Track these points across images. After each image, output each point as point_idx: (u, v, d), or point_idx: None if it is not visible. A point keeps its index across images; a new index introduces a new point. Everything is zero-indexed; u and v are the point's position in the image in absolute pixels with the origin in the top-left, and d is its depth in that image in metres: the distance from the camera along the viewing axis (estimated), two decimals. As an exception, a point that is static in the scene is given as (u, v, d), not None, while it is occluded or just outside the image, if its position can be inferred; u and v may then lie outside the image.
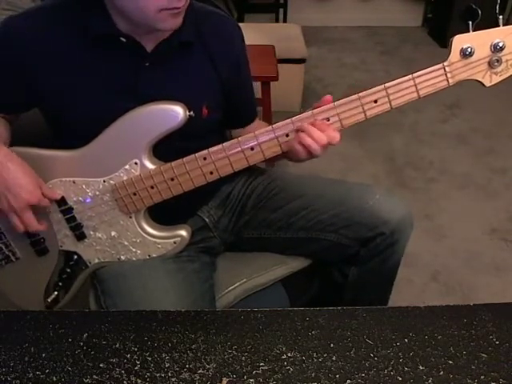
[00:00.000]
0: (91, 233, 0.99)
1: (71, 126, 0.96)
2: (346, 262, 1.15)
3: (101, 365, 0.65)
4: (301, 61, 2.76)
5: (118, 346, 0.68)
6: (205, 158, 0.90)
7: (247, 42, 1.07)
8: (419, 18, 4.37)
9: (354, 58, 3.71)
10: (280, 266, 1.17)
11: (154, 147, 0.93)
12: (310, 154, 0.90)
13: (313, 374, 0.64)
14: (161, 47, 0.92)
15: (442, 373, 0.64)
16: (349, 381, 0.63)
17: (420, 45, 3.93)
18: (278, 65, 2.22)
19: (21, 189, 0.88)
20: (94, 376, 0.64)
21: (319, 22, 4.28)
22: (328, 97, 0.88)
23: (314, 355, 0.66)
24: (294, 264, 1.19)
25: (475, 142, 2.69)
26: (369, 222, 1.07)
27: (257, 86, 1.14)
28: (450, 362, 0.65)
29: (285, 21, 4.18)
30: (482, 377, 0.63)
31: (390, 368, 0.64)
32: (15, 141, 1.00)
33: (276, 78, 2.12)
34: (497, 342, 0.68)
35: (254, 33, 2.53)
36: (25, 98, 0.96)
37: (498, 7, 0.83)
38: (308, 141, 0.87)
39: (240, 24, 1.07)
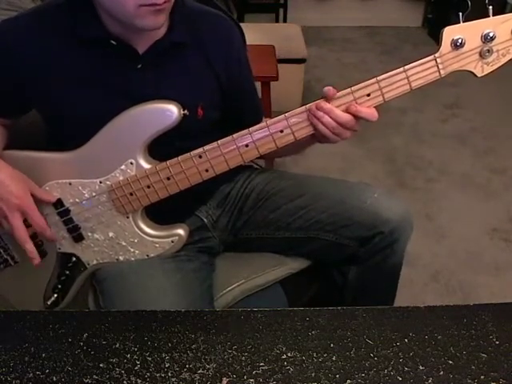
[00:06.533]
0: (89, 234, 0.99)
1: (67, 127, 0.96)
2: (346, 262, 1.15)
3: (101, 365, 0.65)
4: (301, 61, 2.77)
5: (117, 346, 0.68)
6: (200, 156, 0.90)
7: (247, 41, 1.07)
8: (419, 18, 4.37)
9: (354, 58, 3.71)
10: (279, 266, 1.17)
11: (152, 148, 0.93)
12: (337, 137, 0.89)
13: (313, 374, 0.63)
14: (153, 49, 0.91)
15: (441, 373, 0.64)
16: (349, 381, 0.63)
17: (420, 45, 3.93)
18: (278, 65, 2.22)
19: (10, 194, 0.88)
20: (94, 376, 0.64)
21: (319, 21, 4.28)
22: (331, 90, 0.87)
23: (314, 355, 0.66)
24: (293, 265, 1.18)
25: (475, 142, 2.69)
26: (367, 221, 1.06)
27: (257, 86, 1.13)
28: (450, 362, 0.65)
29: (285, 21, 4.19)
30: (482, 377, 0.63)
31: (390, 368, 0.64)
32: (12, 144, 1.00)
33: (276, 78, 2.12)
34: (497, 342, 0.68)
35: (254, 33, 2.53)
36: (20, 102, 0.96)
37: (487, -2, 0.84)
38: (322, 126, 0.87)
39: (240, 24, 1.07)
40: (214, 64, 0.98)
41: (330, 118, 0.85)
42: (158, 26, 0.85)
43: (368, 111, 0.85)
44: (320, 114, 0.86)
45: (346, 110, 0.86)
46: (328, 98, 0.86)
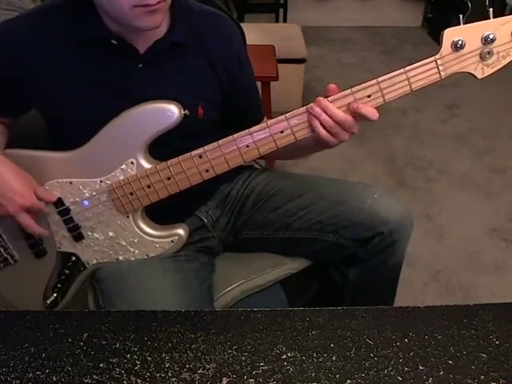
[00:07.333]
0: (89, 233, 0.99)
1: (67, 127, 0.96)
2: (346, 263, 1.15)
3: (101, 365, 0.65)
4: (301, 61, 2.76)
5: (118, 346, 0.68)
6: (200, 157, 0.90)
7: (247, 42, 1.07)
8: (419, 18, 4.37)
9: (354, 58, 3.71)
10: (279, 267, 1.17)
11: (153, 148, 0.93)
12: (335, 138, 0.88)
13: (313, 374, 0.63)
14: (153, 48, 0.91)
15: (441, 373, 0.64)
16: (349, 381, 0.63)
17: (420, 45, 3.93)
18: (278, 65, 2.22)
19: (14, 193, 0.88)
20: (94, 376, 0.64)
21: (319, 21, 4.28)
22: (333, 86, 0.87)
23: (314, 355, 0.66)
24: (292, 265, 1.18)
25: (475, 142, 2.69)
26: (367, 221, 1.06)
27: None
28: (450, 362, 0.65)
29: (285, 21, 4.19)
30: (482, 377, 0.63)
31: (390, 368, 0.64)
32: (13, 143, 1.00)
33: (276, 78, 2.12)
34: (497, 342, 0.68)
35: (254, 33, 2.53)
36: (21, 102, 0.96)
37: (487, 0, 0.84)
38: (320, 127, 0.86)
39: (240, 24, 1.06)
40: (214, 64, 0.98)
41: (327, 115, 0.85)
42: (156, 26, 0.84)
43: (369, 109, 0.85)
44: (317, 110, 0.86)
45: (347, 110, 0.86)
46: (329, 95, 0.86)
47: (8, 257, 1.02)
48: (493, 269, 1.89)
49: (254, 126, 0.90)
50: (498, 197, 2.28)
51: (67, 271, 1.02)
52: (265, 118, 1.13)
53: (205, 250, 1.12)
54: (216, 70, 0.99)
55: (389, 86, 0.85)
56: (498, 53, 0.84)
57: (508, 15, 0.83)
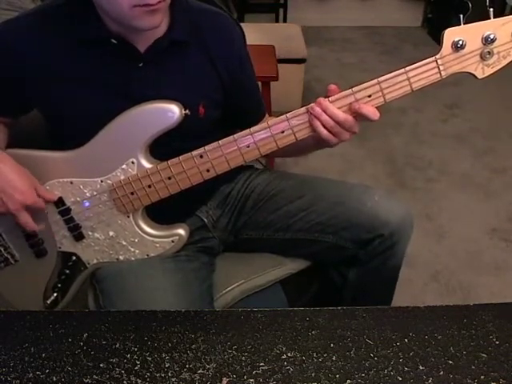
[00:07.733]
0: (89, 233, 0.99)
1: (67, 127, 0.96)
2: (346, 264, 1.15)
3: (101, 365, 0.65)
4: (301, 61, 2.77)
5: (118, 346, 0.68)
6: (201, 156, 0.90)
7: (247, 42, 1.07)
8: (419, 18, 4.38)
9: (354, 58, 3.71)
10: (279, 267, 1.17)
11: (153, 148, 0.93)
12: (336, 137, 0.88)
13: (313, 374, 0.63)
14: (154, 47, 0.91)
15: (441, 373, 0.64)
16: (349, 381, 0.63)
17: (420, 45, 3.94)
18: (278, 65, 2.22)
19: (15, 190, 0.88)
20: (94, 376, 0.64)
21: (319, 21, 4.28)
22: (333, 87, 0.87)
23: (314, 355, 0.66)
24: (292, 265, 1.18)
25: (475, 142, 2.69)
26: (367, 223, 1.06)
27: (256, 86, 1.13)
28: (450, 362, 0.65)
29: (285, 21, 4.19)
30: (482, 377, 0.63)
31: (390, 368, 0.64)
32: (13, 142, 1.00)
33: (276, 78, 2.12)
34: (497, 342, 0.68)
35: (254, 33, 2.53)
36: (21, 102, 0.96)
37: (488, 0, 0.84)
38: (321, 127, 0.87)
39: (240, 24, 1.06)
40: (215, 62, 0.98)
41: (328, 115, 0.86)
42: (155, 26, 0.84)
43: (370, 109, 0.85)
44: (318, 111, 0.86)
45: (348, 110, 0.86)
46: (330, 95, 0.86)
47: (8, 256, 1.02)
48: (493, 269, 1.89)
49: (255, 124, 0.90)
50: (498, 197, 2.28)
51: (67, 271, 1.02)
52: (266, 116, 1.14)
53: (205, 250, 1.12)
54: (217, 69, 0.99)
55: (389, 86, 0.86)
56: (498, 53, 0.84)
57: (508, 15, 0.83)
